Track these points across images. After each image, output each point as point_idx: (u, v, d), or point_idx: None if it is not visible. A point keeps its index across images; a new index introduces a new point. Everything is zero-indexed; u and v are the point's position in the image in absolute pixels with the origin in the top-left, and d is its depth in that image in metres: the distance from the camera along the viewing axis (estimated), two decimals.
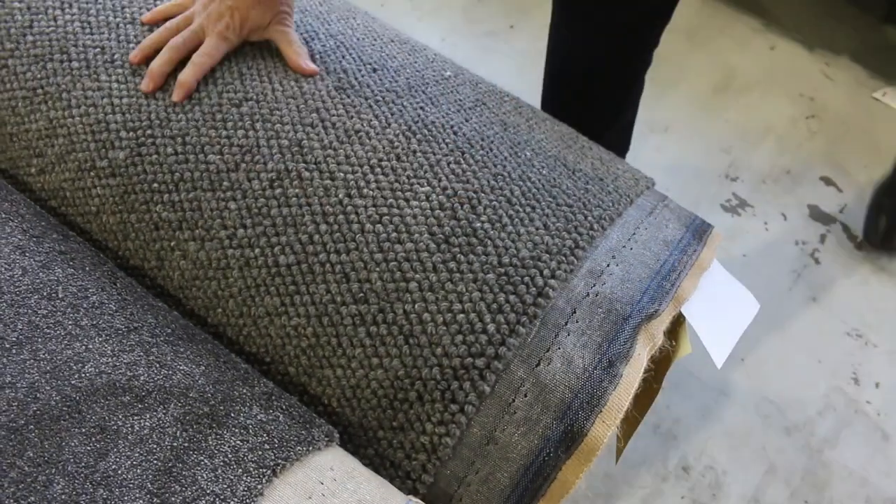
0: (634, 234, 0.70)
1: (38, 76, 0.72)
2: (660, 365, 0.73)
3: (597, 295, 0.63)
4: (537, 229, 0.66)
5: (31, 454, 0.51)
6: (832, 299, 1.48)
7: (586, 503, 1.15)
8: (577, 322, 0.62)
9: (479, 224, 0.65)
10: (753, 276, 1.49)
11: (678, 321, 0.70)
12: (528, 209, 0.67)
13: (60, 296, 0.60)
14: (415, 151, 0.68)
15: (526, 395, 0.59)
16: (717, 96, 1.82)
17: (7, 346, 0.56)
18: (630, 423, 0.74)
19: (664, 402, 1.27)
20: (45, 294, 0.60)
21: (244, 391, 0.59)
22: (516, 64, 1.85)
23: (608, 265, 0.66)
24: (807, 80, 1.90)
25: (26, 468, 0.50)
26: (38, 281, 0.61)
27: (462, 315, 0.60)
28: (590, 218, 0.68)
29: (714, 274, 0.74)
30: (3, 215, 0.65)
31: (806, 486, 1.22)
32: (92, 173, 0.69)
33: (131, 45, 0.72)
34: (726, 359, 0.71)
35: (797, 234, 1.58)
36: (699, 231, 0.75)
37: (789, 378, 1.35)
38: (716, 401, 1.29)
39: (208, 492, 0.52)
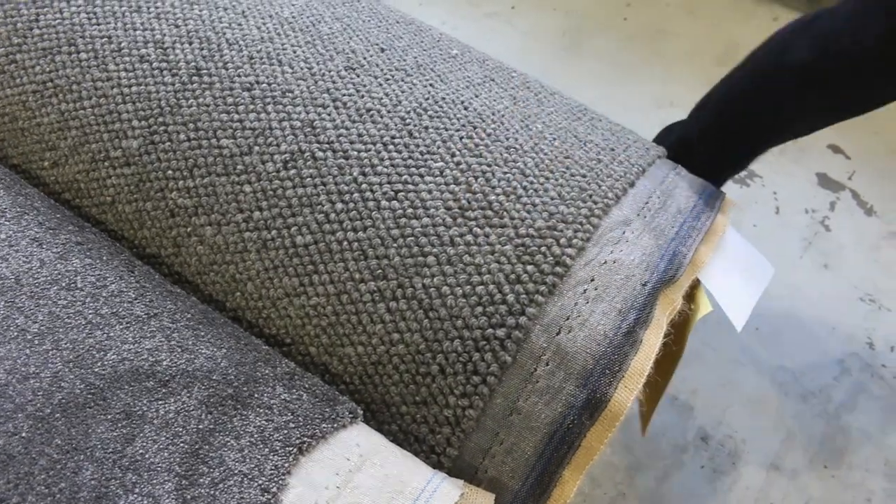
0: (648, 202, 0.70)
1: (48, 69, 0.72)
2: (680, 328, 0.73)
3: (614, 262, 0.63)
4: (552, 199, 0.66)
5: (59, 442, 0.51)
6: (844, 265, 1.48)
7: (606, 477, 1.15)
8: (595, 289, 0.62)
9: (494, 196, 0.65)
10: (764, 246, 1.47)
11: (696, 285, 0.71)
12: (541, 180, 0.67)
13: (79, 286, 0.61)
14: (427, 128, 0.68)
15: (548, 364, 0.59)
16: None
17: (29, 336, 0.56)
18: (654, 388, 0.74)
19: (681, 375, 1.27)
20: (63, 285, 0.60)
21: (266, 372, 0.59)
22: (519, 45, 1.85)
23: (624, 233, 0.66)
24: None
25: (55, 455, 0.51)
26: (56, 272, 0.61)
27: (481, 287, 0.61)
28: (603, 187, 0.68)
29: (729, 240, 0.74)
30: (18, 209, 0.66)
31: (825, 451, 1.22)
32: (106, 163, 0.69)
33: (137, 34, 0.72)
34: (742, 326, 0.71)
35: (806, 203, 1.58)
36: (712, 198, 0.75)
37: (804, 345, 1.35)
38: (732, 371, 1.29)
39: (236, 472, 0.52)
